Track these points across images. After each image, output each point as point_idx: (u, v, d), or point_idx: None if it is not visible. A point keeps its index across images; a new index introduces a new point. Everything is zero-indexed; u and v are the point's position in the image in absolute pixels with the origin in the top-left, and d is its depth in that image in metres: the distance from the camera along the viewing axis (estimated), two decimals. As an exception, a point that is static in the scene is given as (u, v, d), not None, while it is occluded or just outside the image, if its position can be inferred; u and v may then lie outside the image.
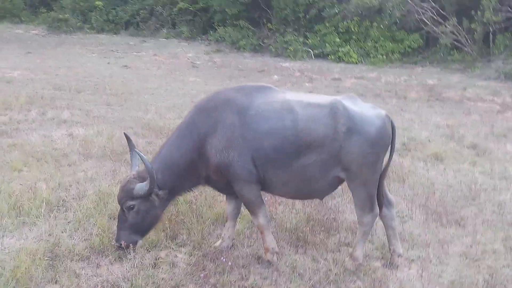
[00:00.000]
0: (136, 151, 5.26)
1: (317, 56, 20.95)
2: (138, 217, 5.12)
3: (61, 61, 17.80)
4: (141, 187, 5.02)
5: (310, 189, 5.26)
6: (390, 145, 5.32)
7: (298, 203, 6.73)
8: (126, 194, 5.09)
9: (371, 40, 21.08)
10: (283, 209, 6.67)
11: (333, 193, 6.64)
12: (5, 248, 5.29)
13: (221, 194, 6.06)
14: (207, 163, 5.16)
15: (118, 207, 5.27)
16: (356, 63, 20.28)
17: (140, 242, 5.26)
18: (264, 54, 21.51)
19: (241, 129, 5.04)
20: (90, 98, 12.64)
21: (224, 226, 5.84)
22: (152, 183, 4.95)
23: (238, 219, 5.90)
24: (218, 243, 5.68)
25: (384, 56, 20.44)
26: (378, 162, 5.18)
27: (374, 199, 5.26)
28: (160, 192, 5.08)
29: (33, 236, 5.58)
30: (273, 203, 6.69)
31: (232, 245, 5.71)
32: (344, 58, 20.54)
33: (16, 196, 6.31)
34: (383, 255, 5.72)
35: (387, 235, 5.59)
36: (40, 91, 12.79)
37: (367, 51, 20.86)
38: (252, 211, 5.34)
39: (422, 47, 21.11)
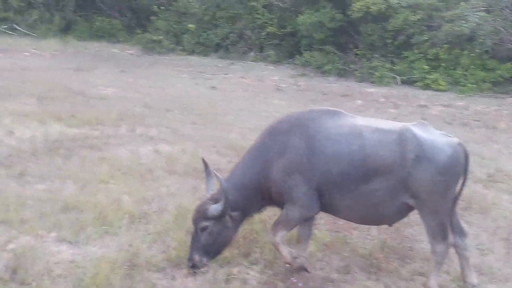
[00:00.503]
0: (213, 172, 5.43)
1: (404, 82, 20.54)
2: (211, 238, 5.27)
3: (152, 80, 18.38)
4: (215, 208, 5.17)
5: (377, 214, 5.24)
6: (462, 174, 5.20)
7: (373, 229, 6.66)
8: (200, 215, 5.26)
9: (461, 68, 20.45)
10: (358, 234, 6.63)
11: (410, 221, 6.58)
12: (87, 255, 5.58)
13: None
14: (272, 184, 5.26)
15: (196, 223, 5.43)
16: (445, 90, 19.72)
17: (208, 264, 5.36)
18: (348, 78, 21.36)
19: (309, 152, 5.11)
20: (178, 117, 13.05)
21: (296, 247, 5.89)
22: (227, 203, 5.09)
23: (310, 241, 5.92)
24: (290, 264, 5.73)
25: (474, 85, 19.74)
26: (448, 190, 5.09)
27: (446, 228, 5.15)
28: (233, 213, 5.22)
29: (114, 245, 5.85)
30: (348, 228, 6.67)
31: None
32: (432, 86, 19.97)
33: (101, 207, 6.63)
34: (459, 287, 5.55)
35: (460, 265, 5.45)
36: (131, 108, 13.31)
37: (456, 79, 20.20)
38: (277, 229, 5.37)
39: (515, 77, 20.26)
